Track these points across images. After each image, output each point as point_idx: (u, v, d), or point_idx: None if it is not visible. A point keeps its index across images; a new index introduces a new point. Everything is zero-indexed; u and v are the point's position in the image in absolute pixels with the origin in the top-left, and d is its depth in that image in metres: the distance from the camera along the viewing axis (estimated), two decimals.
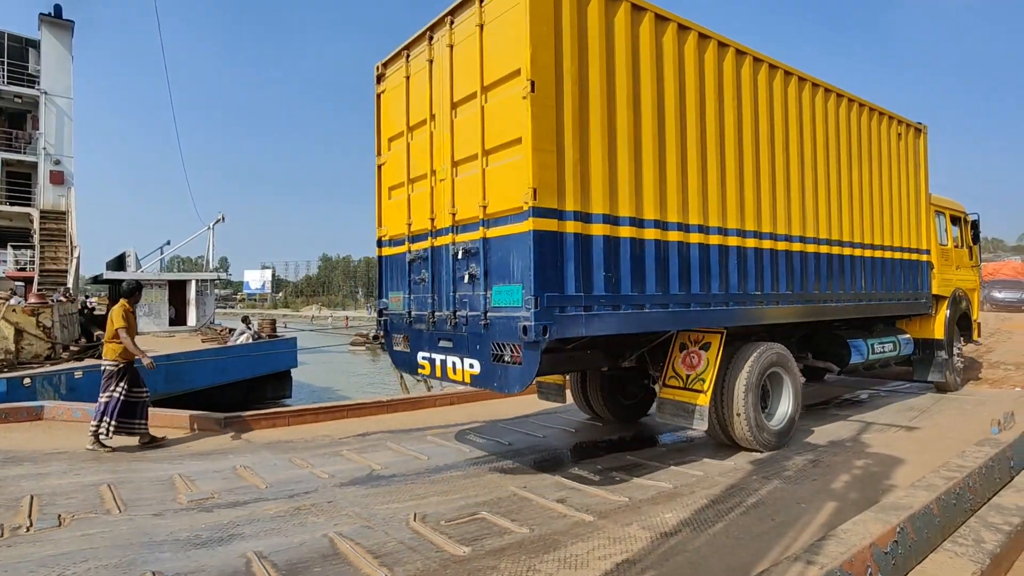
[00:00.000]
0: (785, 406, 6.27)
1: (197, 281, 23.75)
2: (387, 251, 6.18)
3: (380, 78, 6.16)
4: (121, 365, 6.31)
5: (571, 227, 4.53)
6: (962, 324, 9.69)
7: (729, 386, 5.79)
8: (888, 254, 8.06)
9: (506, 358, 4.60)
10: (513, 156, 4.50)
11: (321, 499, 4.70)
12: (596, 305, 4.68)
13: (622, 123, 4.90)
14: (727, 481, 5.08)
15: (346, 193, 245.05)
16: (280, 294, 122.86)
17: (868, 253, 7.66)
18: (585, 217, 4.63)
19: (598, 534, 3.97)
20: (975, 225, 10.33)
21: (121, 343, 6.23)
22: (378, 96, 6.20)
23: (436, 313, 5.31)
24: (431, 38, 5.37)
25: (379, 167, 6.23)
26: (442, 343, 5.30)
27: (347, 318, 71.78)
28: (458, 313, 5.02)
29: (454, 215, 5.09)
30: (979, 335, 10.92)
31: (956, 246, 9.91)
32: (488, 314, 4.70)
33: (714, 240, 5.61)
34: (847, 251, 7.27)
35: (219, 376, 16.21)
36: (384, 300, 6.19)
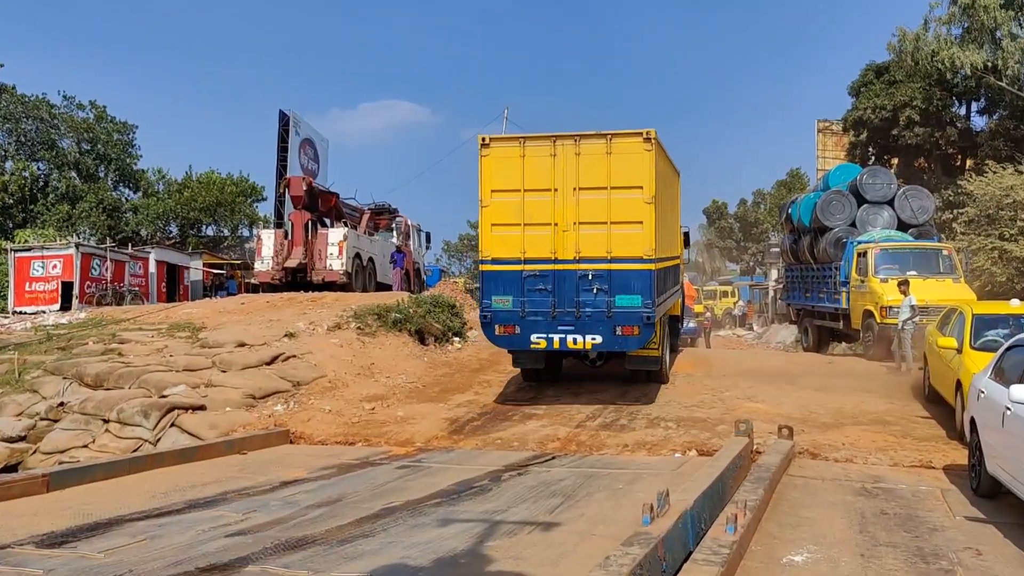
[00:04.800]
0: (669, 352, 11.38)
1: None
2: (489, 267, 8.81)
3: (484, 146, 8.70)
4: None
5: (655, 266, 8.59)
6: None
7: (662, 345, 10.10)
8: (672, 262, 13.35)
9: (619, 332, 8.49)
10: (633, 228, 8.42)
11: None
12: (662, 302, 9.24)
13: (665, 206, 9.69)
14: None
15: None
16: None
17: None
18: (658, 260, 8.78)
19: None
20: (687, 236, 16.07)
21: None
22: (481, 159, 8.70)
23: (557, 310, 8.51)
24: (555, 141, 8.55)
25: (482, 209, 8.81)
26: (561, 327, 8.53)
27: None
28: (582, 310, 8.45)
29: (578, 252, 8.49)
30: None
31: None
32: (612, 310, 8.41)
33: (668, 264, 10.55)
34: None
35: None
36: (487, 301, 8.76)
